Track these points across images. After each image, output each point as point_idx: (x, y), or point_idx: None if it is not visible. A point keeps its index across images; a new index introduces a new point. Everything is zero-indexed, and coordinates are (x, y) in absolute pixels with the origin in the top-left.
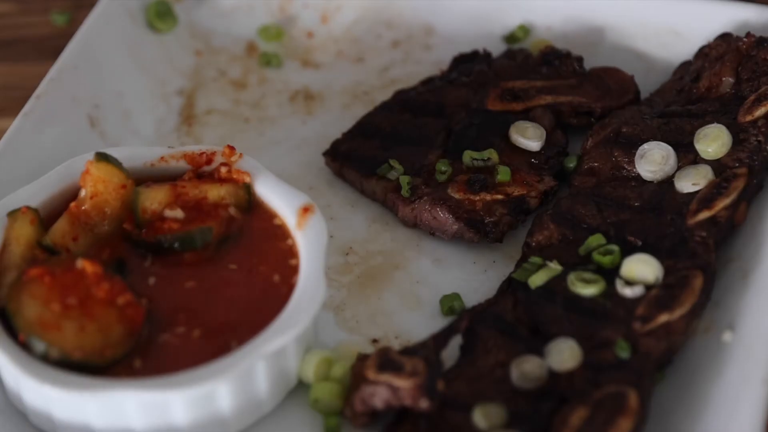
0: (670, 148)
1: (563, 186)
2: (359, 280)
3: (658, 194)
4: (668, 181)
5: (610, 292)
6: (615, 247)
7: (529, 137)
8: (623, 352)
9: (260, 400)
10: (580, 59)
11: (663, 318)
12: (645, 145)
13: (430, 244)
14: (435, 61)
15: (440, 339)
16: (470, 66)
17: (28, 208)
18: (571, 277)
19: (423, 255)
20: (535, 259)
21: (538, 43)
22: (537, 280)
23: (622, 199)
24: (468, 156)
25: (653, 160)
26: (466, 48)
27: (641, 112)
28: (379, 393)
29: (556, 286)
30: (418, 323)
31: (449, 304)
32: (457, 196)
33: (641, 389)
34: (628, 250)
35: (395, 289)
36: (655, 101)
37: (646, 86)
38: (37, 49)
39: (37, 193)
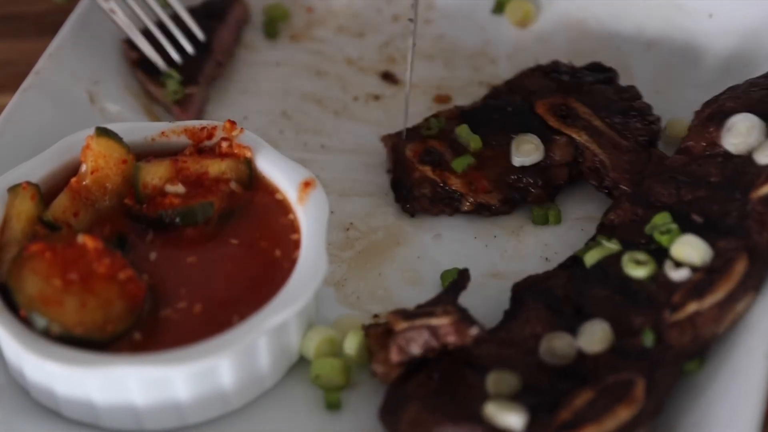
0: (756, 118)
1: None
2: (360, 255)
3: (740, 168)
4: (752, 155)
5: (658, 275)
6: (673, 226)
7: (520, 151)
8: (648, 341)
9: (262, 375)
10: (656, 131)
11: (692, 307)
12: (733, 117)
13: (430, 219)
14: (435, 35)
15: (449, 295)
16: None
17: (28, 183)
18: (625, 258)
19: (423, 230)
20: (601, 238)
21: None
22: (590, 258)
23: (704, 175)
24: (463, 129)
25: (738, 131)
26: (466, 22)
27: (753, 85)
28: (417, 337)
29: (612, 266)
30: (419, 298)
31: (450, 279)
32: (408, 153)
33: (651, 380)
34: (690, 229)
35: (396, 264)
36: None
37: (647, 61)
38: (36, 25)
39: (37, 168)
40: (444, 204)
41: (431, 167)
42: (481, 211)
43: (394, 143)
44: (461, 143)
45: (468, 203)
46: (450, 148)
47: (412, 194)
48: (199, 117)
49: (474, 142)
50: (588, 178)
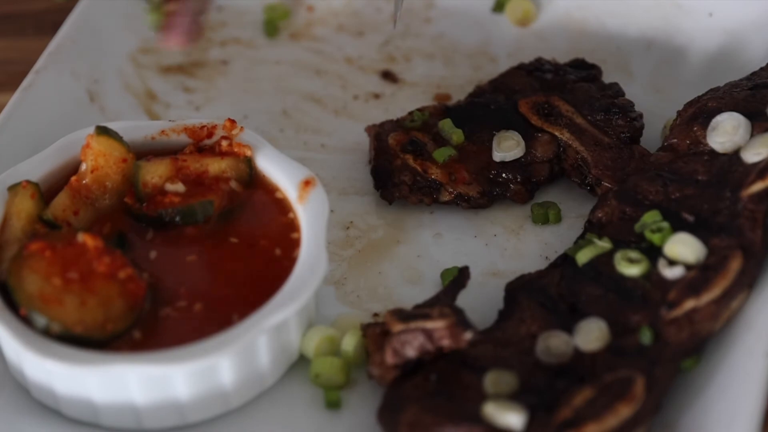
0: (742, 117)
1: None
2: (360, 254)
3: (727, 167)
4: (739, 153)
5: (651, 273)
6: (665, 224)
7: (501, 147)
8: (646, 339)
9: (262, 374)
10: (639, 128)
11: (689, 304)
12: (719, 116)
13: (430, 217)
14: (435, 34)
15: (449, 293)
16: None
17: (28, 182)
18: (618, 256)
19: (424, 229)
20: (591, 236)
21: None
22: (583, 256)
23: (690, 173)
24: (446, 123)
25: (724, 130)
26: (466, 21)
27: (734, 86)
28: (412, 340)
29: (604, 265)
30: (419, 297)
31: (450, 278)
32: (391, 141)
33: (651, 378)
34: (681, 227)
35: (396, 263)
36: (761, 74)
37: (646, 61)
38: (36, 24)
39: (37, 167)
40: (423, 193)
41: (413, 156)
42: (460, 202)
43: (377, 132)
44: (444, 137)
45: (447, 193)
46: (432, 141)
47: (392, 181)
48: (190, 43)
49: (456, 135)
50: (570, 175)
